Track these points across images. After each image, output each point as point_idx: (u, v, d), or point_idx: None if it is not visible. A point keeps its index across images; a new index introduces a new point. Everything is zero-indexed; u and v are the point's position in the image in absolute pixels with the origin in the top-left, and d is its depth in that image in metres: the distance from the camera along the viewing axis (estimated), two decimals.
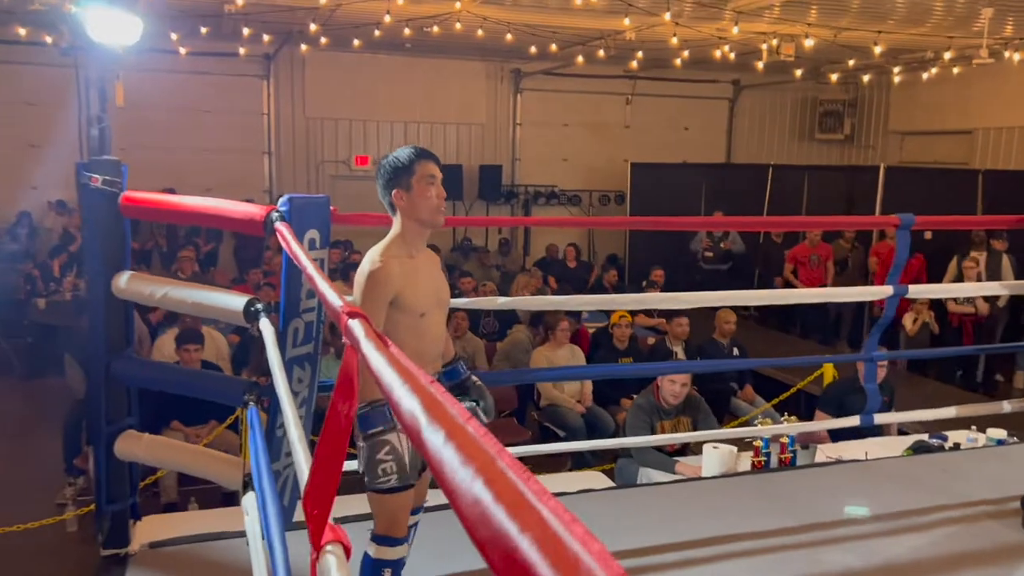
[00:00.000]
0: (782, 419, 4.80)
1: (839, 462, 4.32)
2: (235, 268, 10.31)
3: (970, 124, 11.70)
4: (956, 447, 4.59)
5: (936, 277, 8.74)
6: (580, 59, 10.75)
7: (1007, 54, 9.34)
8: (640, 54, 10.61)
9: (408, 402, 0.79)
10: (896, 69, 10.93)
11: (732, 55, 10.04)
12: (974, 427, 4.78)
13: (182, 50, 10.24)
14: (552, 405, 6.20)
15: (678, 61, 10.63)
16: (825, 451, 4.52)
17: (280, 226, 2.24)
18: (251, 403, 2.46)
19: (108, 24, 2.93)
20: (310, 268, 1.64)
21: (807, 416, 5.34)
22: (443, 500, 0.66)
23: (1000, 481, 3.86)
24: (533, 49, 10.49)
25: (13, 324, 8.46)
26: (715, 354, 6.76)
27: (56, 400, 6.25)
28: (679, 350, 6.71)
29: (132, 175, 2.94)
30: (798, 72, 11.04)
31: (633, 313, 7.47)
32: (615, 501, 3.77)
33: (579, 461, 5.69)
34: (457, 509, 0.62)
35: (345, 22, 8.89)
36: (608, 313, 7.19)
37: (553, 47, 10.14)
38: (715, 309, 6.92)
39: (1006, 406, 4.21)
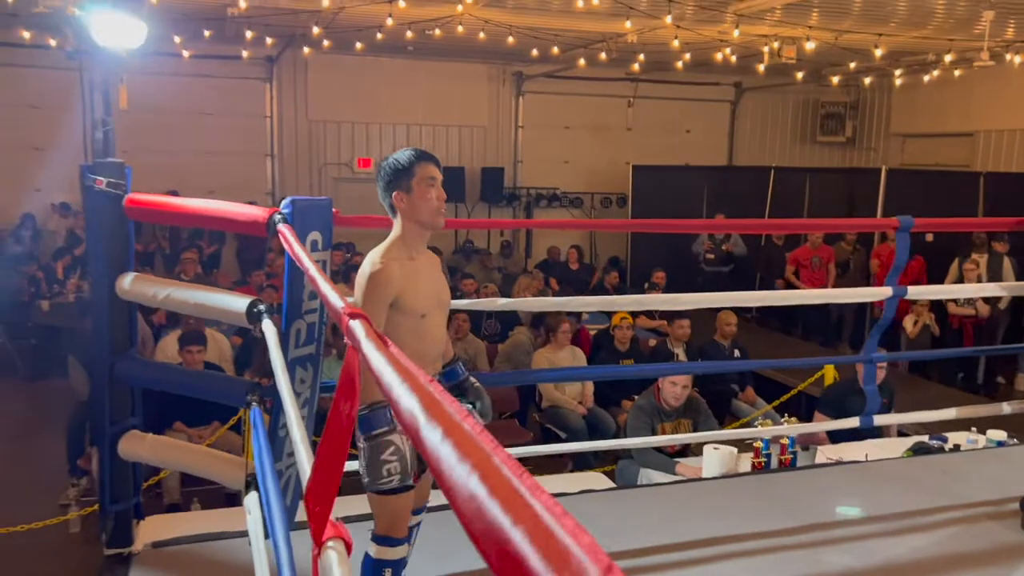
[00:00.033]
0: (782, 420, 4.81)
1: (839, 463, 4.33)
2: (238, 270, 10.35)
3: (972, 127, 11.71)
4: (956, 448, 4.60)
5: (938, 279, 8.75)
6: (582, 62, 10.77)
7: (1008, 57, 9.35)
8: (642, 57, 10.64)
9: (407, 401, 0.81)
10: (897, 72, 10.94)
11: (733, 58, 10.07)
12: (974, 428, 4.79)
13: (185, 53, 10.28)
14: (553, 406, 6.22)
15: (680, 64, 10.66)
16: (825, 452, 4.54)
17: (283, 228, 2.26)
18: (254, 403, 2.48)
19: (112, 28, 2.95)
20: (312, 269, 1.66)
21: (808, 418, 5.35)
22: (444, 500, 0.67)
23: (1000, 482, 3.87)
24: (535, 52, 10.52)
25: (17, 326, 8.50)
26: (716, 356, 6.77)
27: (60, 401, 6.28)
28: (680, 352, 6.73)
29: (135, 177, 2.96)
30: (799, 75, 11.06)
31: (634, 315, 7.49)
32: (615, 502, 3.79)
33: (580, 462, 5.71)
34: (453, 503, 0.64)
35: (347, 25, 8.93)
36: (609, 315, 7.20)
37: (555, 50, 10.16)
38: (716, 311, 6.94)
39: (1006, 408, 4.22)
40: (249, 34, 9.48)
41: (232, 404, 2.76)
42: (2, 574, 4.46)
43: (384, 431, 2.29)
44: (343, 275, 8.08)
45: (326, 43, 9.89)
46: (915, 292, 4.19)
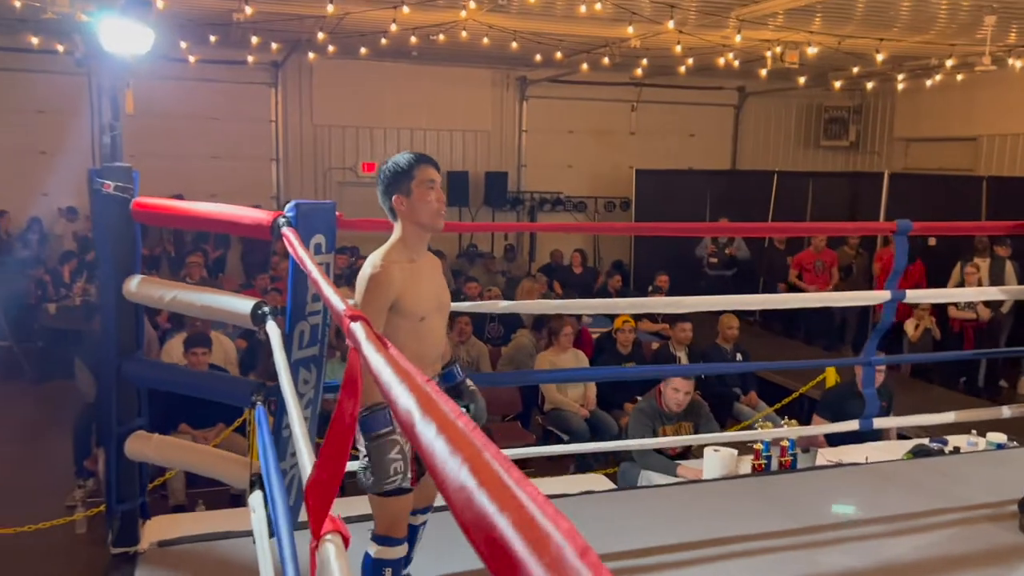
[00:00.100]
0: (782, 423, 4.84)
1: (839, 465, 4.36)
2: (242, 274, 10.42)
3: (975, 131, 11.73)
4: (956, 451, 4.62)
5: (940, 283, 8.76)
6: (585, 67, 10.82)
7: (1011, 61, 9.37)
8: (645, 61, 10.69)
9: (404, 399, 0.85)
10: (900, 76, 10.97)
11: (736, 62, 10.11)
12: (974, 431, 4.81)
13: (191, 58, 10.36)
14: (556, 409, 6.25)
15: (683, 68, 10.70)
16: (825, 455, 4.56)
17: (287, 231, 2.29)
18: (258, 403, 2.52)
19: (120, 34, 3.01)
20: (315, 272, 1.70)
21: (808, 421, 5.38)
22: (443, 501, 0.71)
23: (999, 484, 3.89)
24: (538, 57, 10.58)
25: (24, 328, 8.57)
26: (718, 359, 6.80)
27: (66, 403, 6.33)
28: (682, 355, 6.76)
29: (141, 182, 3.01)
30: (802, 79, 11.09)
31: (637, 318, 7.53)
32: (616, 503, 3.82)
33: (582, 465, 5.74)
34: (445, 494, 0.68)
35: (352, 30, 8.99)
36: (612, 318, 7.25)
37: (558, 55, 10.21)
38: (718, 315, 6.98)
39: (1005, 411, 4.24)
40: (255, 39, 9.55)
41: (237, 404, 2.80)
42: (10, 574, 4.51)
43: (387, 431, 2.31)
44: (347, 279, 8.12)
45: (331, 48, 9.96)
46: (914, 296, 4.22)
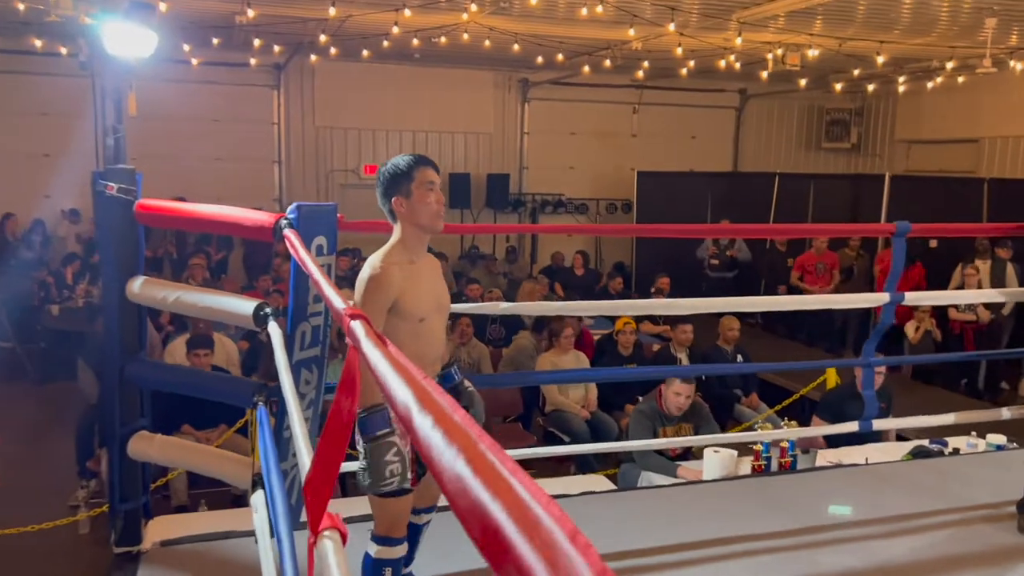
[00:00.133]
0: (782, 424, 4.86)
1: (839, 466, 4.37)
2: (245, 276, 10.44)
3: (977, 133, 11.74)
4: (956, 452, 4.63)
5: (941, 285, 8.77)
6: (586, 69, 10.85)
7: (1012, 63, 9.38)
8: (646, 64, 10.71)
9: (402, 393, 0.87)
10: (901, 79, 10.99)
11: (737, 65, 10.13)
12: (974, 433, 4.82)
13: (194, 60, 10.39)
14: (557, 410, 6.27)
15: (684, 71, 10.72)
16: (825, 456, 4.58)
17: (288, 233, 2.31)
18: (260, 403, 2.54)
19: (124, 37, 3.03)
20: (316, 273, 1.72)
21: (809, 422, 5.39)
22: (443, 502, 0.73)
23: (998, 486, 3.90)
24: (540, 59, 10.60)
25: (27, 330, 8.60)
26: (719, 361, 6.82)
27: (69, 404, 6.36)
28: (683, 357, 6.78)
29: (144, 184, 3.03)
30: (802, 82, 11.11)
31: (638, 320, 7.55)
32: (616, 503, 3.84)
33: (583, 466, 5.75)
34: (441, 484, 0.70)
35: (354, 33, 9.02)
36: (613, 320, 7.27)
37: (560, 57, 10.24)
38: (719, 316, 6.99)
39: (1005, 413, 4.25)
40: (257, 42, 9.58)
41: (239, 405, 2.82)
42: (13, 574, 4.53)
43: (385, 432, 2.32)
44: (349, 281, 8.14)
45: (333, 51, 9.99)
46: (912, 298, 4.23)
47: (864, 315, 9.58)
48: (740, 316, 7.18)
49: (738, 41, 8.34)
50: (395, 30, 8.25)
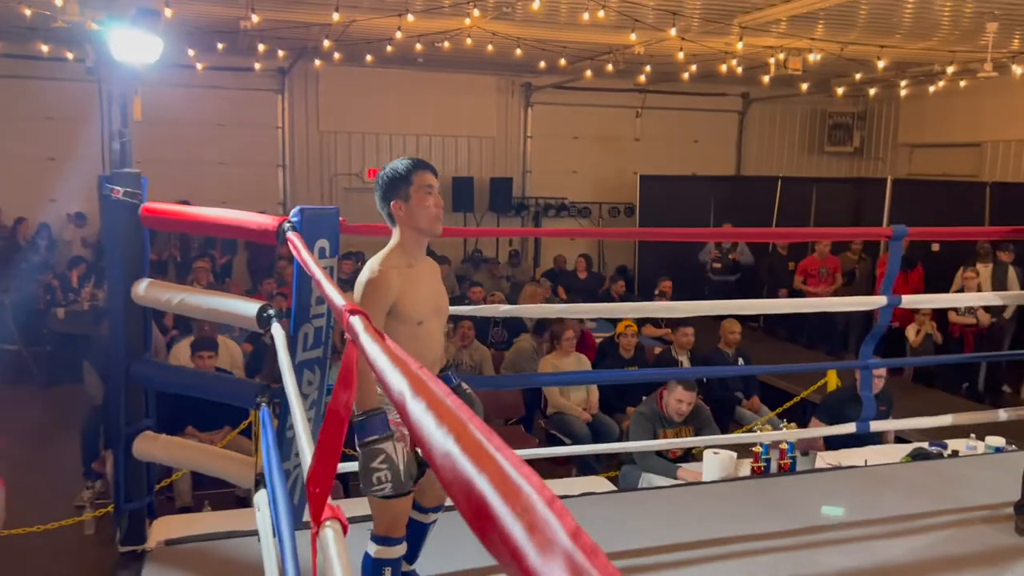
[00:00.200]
0: (782, 426, 4.88)
1: (838, 468, 4.40)
2: (249, 279, 10.50)
3: (979, 137, 11.76)
4: (955, 455, 4.65)
5: (943, 289, 8.79)
6: (589, 73, 10.89)
7: (1015, 67, 9.40)
8: (648, 68, 10.75)
9: (397, 381, 0.91)
10: (903, 83, 11.01)
11: (739, 69, 10.16)
12: (973, 435, 4.84)
13: (199, 65, 10.46)
14: (559, 413, 6.30)
15: (686, 75, 10.77)
16: (825, 458, 4.60)
17: (292, 236, 2.35)
18: (263, 404, 2.57)
19: (130, 43, 3.06)
20: (318, 274, 1.76)
21: (809, 425, 5.41)
22: (449, 502, 0.76)
23: (996, 487, 3.92)
24: (542, 64, 10.65)
25: (33, 333, 8.66)
26: (720, 364, 6.85)
27: (74, 407, 6.41)
28: (684, 359, 6.80)
29: (149, 187, 3.08)
30: (804, 86, 11.14)
31: (640, 323, 7.58)
32: (616, 504, 3.87)
33: (585, 468, 5.79)
34: (432, 462, 0.74)
35: (358, 38, 9.08)
36: (615, 323, 7.30)
37: (562, 61, 10.28)
38: (720, 319, 7.03)
39: (1002, 414, 4.28)
40: (261, 47, 9.64)
41: (242, 406, 2.85)
42: (19, 573, 4.58)
43: (376, 439, 2.32)
44: (352, 284, 8.19)
45: (337, 55, 10.05)
46: (909, 301, 4.26)
47: (866, 318, 9.59)
48: (741, 319, 7.20)
49: (739, 45, 8.38)
50: (398, 35, 8.30)
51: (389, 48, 9.41)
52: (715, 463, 4.28)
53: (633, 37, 8.29)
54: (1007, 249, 8.46)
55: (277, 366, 2.18)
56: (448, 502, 2.76)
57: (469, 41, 8.92)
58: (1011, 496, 3.68)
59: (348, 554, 1.21)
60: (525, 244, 13.30)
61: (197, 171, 11.36)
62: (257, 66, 10.69)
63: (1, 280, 8.95)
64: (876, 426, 4.23)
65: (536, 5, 7.06)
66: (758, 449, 4.38)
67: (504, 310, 3.60)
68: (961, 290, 8.32)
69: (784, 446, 4.41)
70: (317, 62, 10.84)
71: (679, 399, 4.80)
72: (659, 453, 4.72)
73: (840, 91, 11.45)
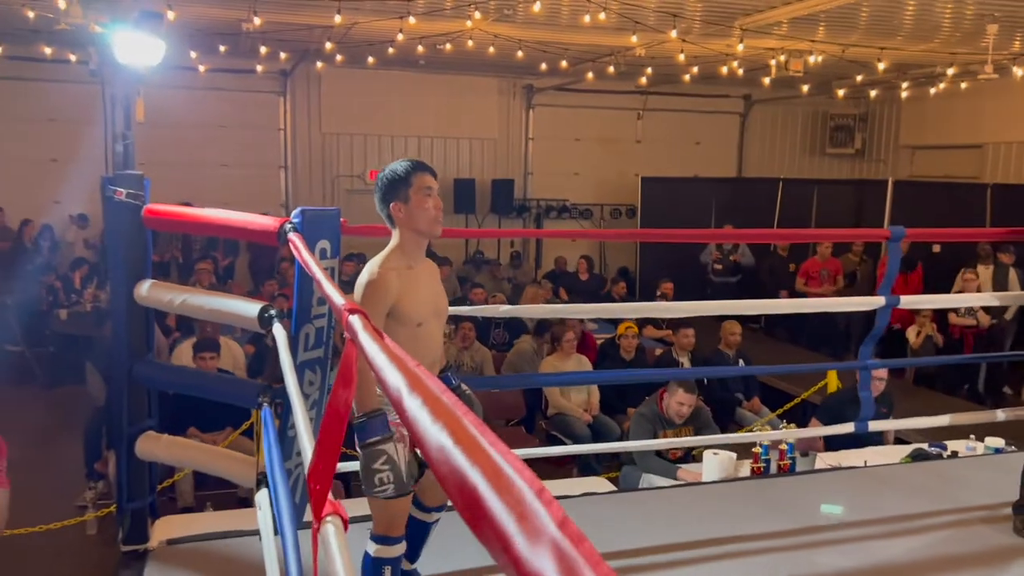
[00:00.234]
0: (781, 427, 4.90)
1: (837, 469, 4.41)
2: (251, 281, 10.54)
3: (981, 138, 11.77)
4: (954, 455, 4.66)
5: (944, 291, 8.79)
6: (590, 75, 10.92)
7: (1015, 70, 9.41)
8: (649, 70, 10.77)
9: (394, 378, 0.93)
10: (904, 84, 11.03)
11: (740, 71, 10.18)
12: (973, 436, 4.86)
13: (201, 67, 10.50)
14: (560, 414, 6.32)
15: (687, 77, 10.78)
16: (824, 459, 4.61)
17: (293, 236, 2.37)
18: (265, 404, 2.59)
19: (133, 46, 3.10)
20: (319, 274, 1.78)
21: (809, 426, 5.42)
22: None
23: (995, 488, 3.93)
24: (544, 66, 10.67)
25: (36, 334, 8.69)
26: (720, 365, 6.86)
27: (77, 407, 6.43)
28: (685, 361, 6.82)
29: (151, 189, 3.10)
30: (805, 88, 11.16)
31: (641, 325, 7.59)
32: (616, 504, 3.88)
33: (585, 469, 5.80)
34: (427, 456, 0.76)
35: (360, 40, 9.11)
36: (616, 325, 7.32)
37: (563, 63, 10.31)
38: (721, 321, 7.04)
39: (1000, 415, 4.29)
40: (263, 49, 9.68)
41: (244, 405, 2.87)
42: (22, 572, 4.60)
43: (377, 440, 2.33)
44: (354, 285, 8.21)
45: (339, 57, 10.08)
46: (908, 301, 4.27)
47: (867, 320, 9.56)
48: (742, 321, 7.22)
49: (740, 47, 8.40)
50: (400, 37, 8.33)
51: (391, 50, 9.44)
52: (715, 464, 4.30)
53: (634, 39, 8.31)
54: (1008, 251, 8.48)
55: (279, 367, 2.20)
56: (450, 502, 2.78)
57: (470, 43, 8.94)
58: (1010, 496, 3.69)
59: (349, 549, 1.23)
60: (527, 246, 13.31)
61: (199, 173, 11.39)
62: (259, 68, 10.73)
63: (7, 282, 8.98)
64: (874, 426, 4.24)
65: (537, 7, 7.09)
66: (758, 450, 4.40)
67: (504, 310, 3.62)
68: (961, 292, 8.33)
69: (784, 447, 4.43)
70: (319, 64, 10.87)
71: (680, 402, 4.81)
72: (659, 454, 4.73)
73: (841, 93, 11.46)
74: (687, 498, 3.99)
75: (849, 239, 9.96)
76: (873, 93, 11.81)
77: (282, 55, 10.55)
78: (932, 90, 10.96)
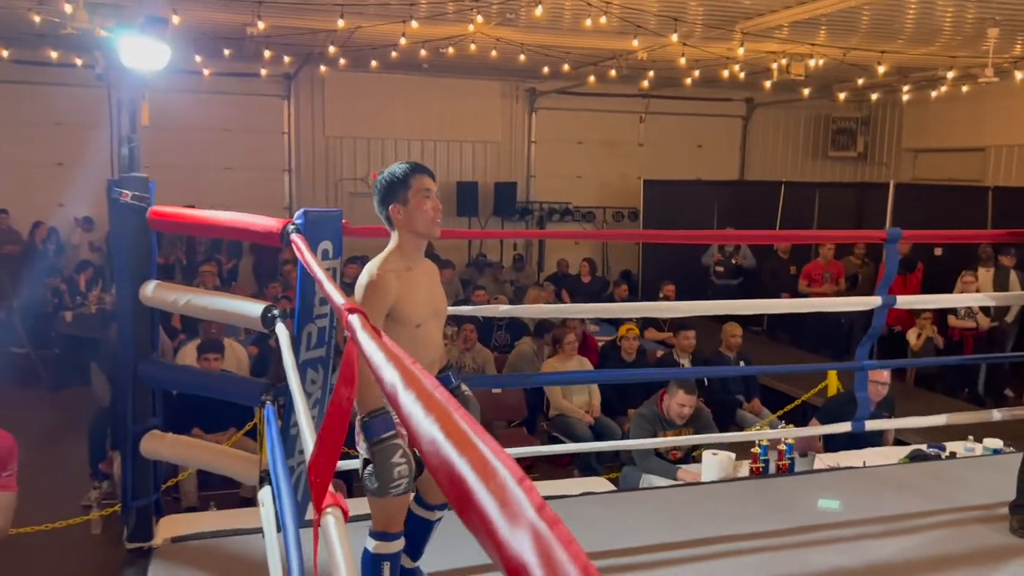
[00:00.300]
0: (780, 427, 4.92)
1: (835, 469, 4.44)
2: (255, 283, 10.59)
3: (982, 141, 11.79)
4: (952, 456, 4.69)
5: (946, 293, 8.80)
6: (592, 79, 10.96)
7: (1017, 73, 9.44)
8: (651, 73, 10.81)
9: (390, 374, 0.97)
10: (906, 88, 11.05)
11: (742, 74, 10.22)
12: (971, 437, 4.88)
13: (205, 71, 10.56)
14: (561, 415, 6.36)
15: (689, 80, 10.82)
16: (823, 460, 4.64)
17: (295, 237, 2.42)
18: (268, 402, 2.63)
19: (139, 51, 3.14)
20: (320, 274, 1.82)
21: None
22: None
23: (992, 488, 3.96)
24: (546, 69, 10.72)
25: (41, 336, 8.75)
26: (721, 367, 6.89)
27: (82, 409, 6.47)
28: (686, 362, 6.85)
29: (156, 192, 3.14)
30: (805, 91, 11.19)
31: (642, 327, 7.63)
32: (615, 503, 3.92)
33: (586, 469, 5.84)
34: (420, 449, 0.80)
35: (363, 44, 9.16)
36: (617, 327, 7.36)
37: (566, 67, 10.35)
38: (722, 323, 7.07)
39: (996, 415, 4.32)
40: (267, 53, 9.74)
41: (248, 403, 2.91)
42: (28, 571, 4.64)
43: (390, 435, 2.35)
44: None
45: (342, 61, 10.14)
46: (904, 301, 4.30)
47: (868, 323, 9.61)
48: (744, 323, 7.25)
49: (740, 51, 8.43)
50: (403, 41, 8.38)
51: (394, 54, 9.49)
52: (714, 464, 4.33)
53: (635, 43, 8.35)
54: (1009, 253, 8.49)
55: (282, 367, 2.23)
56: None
57: (473, 47, 8.99)
58: (1007, 496, 3.71)
59: (349, 540, 1.27)
60: (529, 248, 13.36)
61: (204, 176, 11.46)
62: (263, 72, 10.79)
63: (20, 283, 9.05)
64: (871, 425, 4.28)
65: (539, 11, 7.13)
66: (756, 450, 4.43)
67: (503, 310, 3.66)
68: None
69: (782, 447, 4.46)
70: (323, 68, 10.93)
71: (680, 403, 4.84)
72: (660, 455, 4.77)
73: (842, 96, 11.49)
74: (685, 498, 4.02)
75: (847, 240, 9.99)
76: (875, 96, 11.84)
77: (286, 59, 10.61)
78: (934, 93, 10.98)
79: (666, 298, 9.20)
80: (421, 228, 2.56)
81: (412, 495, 2.73)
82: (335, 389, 1.39)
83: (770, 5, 7.41)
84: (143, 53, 3.20)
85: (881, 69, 9.29)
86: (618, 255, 13.53)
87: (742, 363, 6.98)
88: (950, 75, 9.55)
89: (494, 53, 9.27)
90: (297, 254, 2.28)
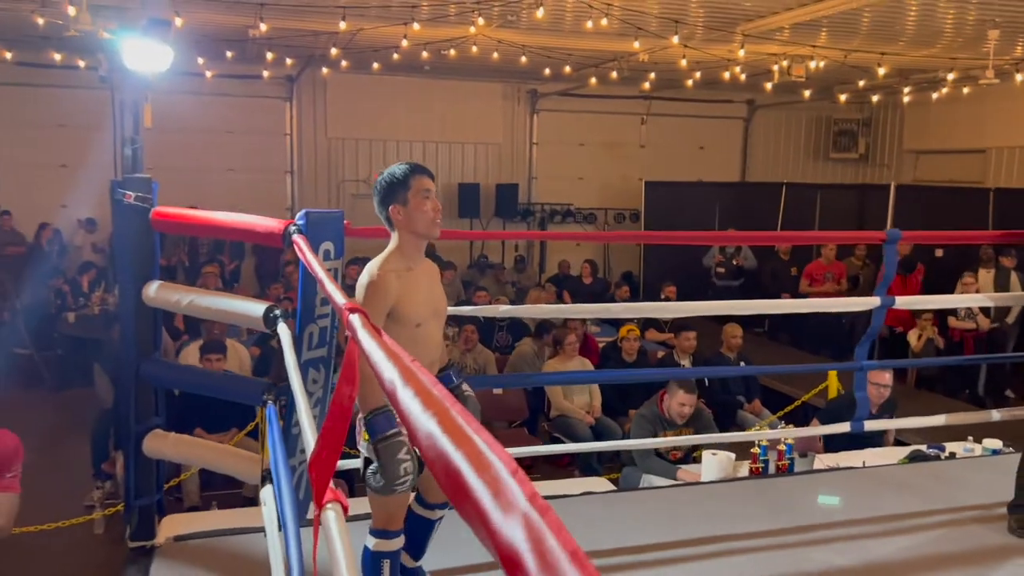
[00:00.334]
0: (780, 427, 4.94)
1: (835, 469, 4.45)
2: (256, 284, 10.62)
3: (984, 143, 11.80)
4: (952, 457, 4.70)
5: (947, 294, 8.81)
6: (593, 80, 10.98)
7: (1017, 75, 9.45)
8: (653, 75, 10.83)
9: (389, 372, 0.99)
10: (906, 89, 11.07)
11: (743, 76, 10.23)
12: (971, 437, 4.90)
13: (208, 73, 10.59)
14: (562, 416, 6.37)
15: (690, 82, 10.84)
16: (823, 460, 4.65)
17: (297, 238, 2.44)
18: (269, 401, 2.65)
19: (142, 53, 3.17)
20: (321, 274, 1.84)
21: None
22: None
23: (990, 488, 3.97)
24: (548, 71, 10.74)
25: (44, 337, 8.78)
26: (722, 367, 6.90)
27: (85, 409, 6.50)
28: (686, 363, 6.86)
29: (158, 193, 3.17)
30: (807, 93, 11.21)
31: (643, 328, 7.65)
32: (615, 503, 3.93)
33: (586, 470, 5.85)
34: (417, 442, 0.82)
35: (365, 46, 9.19)
36: (618, 327, 7.37)
37: (567, 69, 10.37)
38: (722, 324, 7.09)
39: (995, 415, 4.33)
40: (270, 55, 9.77)
41: (250, 403, 2.93)
42: (31, 570, 4.67)
43: (394, 432, 2.35)
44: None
45: (344, 63, 10.16)
46: (903, 302, 4.31)
47: (868, 322, 9.62)
48: (745, 324, 7.26)
49: (741, 53, 8.45)
50: (404, 43, 8.41)
51: (396, 56, 9.52)
52: (713, 464, 4.35)
53: (636, 45, 8.37)
54: (1009, 254, 8.50)
55: (284, 367, 2.25)
56: None
57: (475, 49, 9.02)
58: (1005, 496, 3.73)
59: (349, 535, 1.29)
60: (531, 250, 13.38)
61: (206, 177, 11.49)
62: (266, 74, 10.82)
63: (24, 284, 9.08)
64: (870, 425, 4.29)
65: (540, 13, 7.16)
66: (756, 450, 4.45)
67: (504, 310, 3.68)
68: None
69: (782, 447, 4.47)
70: (325, 70, 10.96)
71: (680, 403, 4.86)
72: (660, 455, 4.78)
73: (843, 98, 11.51)
74: (685, 497, 4.03)
75: (846, 242, 10.01)
76: (875, 98, 11.85)
77: (288, 61, 10.65)
78: (935, 95, 10.99)
79: (667, 299, 9.21)
80: (421, 228, 2.58)
81: (412, 494, 2.75)
82: (336, 388, 1.41)
83: (771, 7, 7.43)
84: (146, 55, 3.22)
85: (882, 71, 9.30)
86: (620, 256, 13.55)
87: (743, 364, 7.00)
88: (951, 77, 9.56)
89: (496, 55, 9.30)
90: (299, 255, 2.30)
